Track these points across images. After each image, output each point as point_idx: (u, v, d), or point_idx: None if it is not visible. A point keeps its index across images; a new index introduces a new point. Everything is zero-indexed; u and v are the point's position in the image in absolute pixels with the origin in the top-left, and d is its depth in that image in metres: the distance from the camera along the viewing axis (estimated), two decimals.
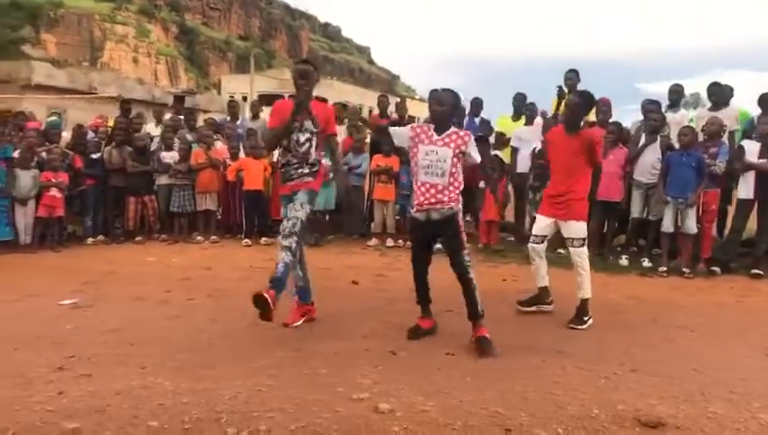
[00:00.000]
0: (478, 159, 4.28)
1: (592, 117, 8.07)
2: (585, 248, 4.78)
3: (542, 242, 4.98)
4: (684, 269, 6.73)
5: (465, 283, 4.11)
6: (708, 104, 7.80)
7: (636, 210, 7.19)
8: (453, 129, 4.20)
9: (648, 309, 5.37)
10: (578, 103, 4.81)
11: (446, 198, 4.08)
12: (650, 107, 7.43)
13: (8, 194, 7.58)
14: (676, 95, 7.76)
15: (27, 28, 54.60)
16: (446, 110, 4.22)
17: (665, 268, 6.77)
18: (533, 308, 5.10)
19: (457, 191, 4.14)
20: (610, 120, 7.58)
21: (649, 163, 7.04)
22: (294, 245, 4.22)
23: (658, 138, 7.08)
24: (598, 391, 3.30)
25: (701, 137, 7.01)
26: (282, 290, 4.10)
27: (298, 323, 4.52)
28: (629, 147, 7.23)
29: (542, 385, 3.35)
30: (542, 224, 4.96)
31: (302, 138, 4.46)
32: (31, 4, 55.39)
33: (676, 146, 6.91)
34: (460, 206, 4.17)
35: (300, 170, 4.47)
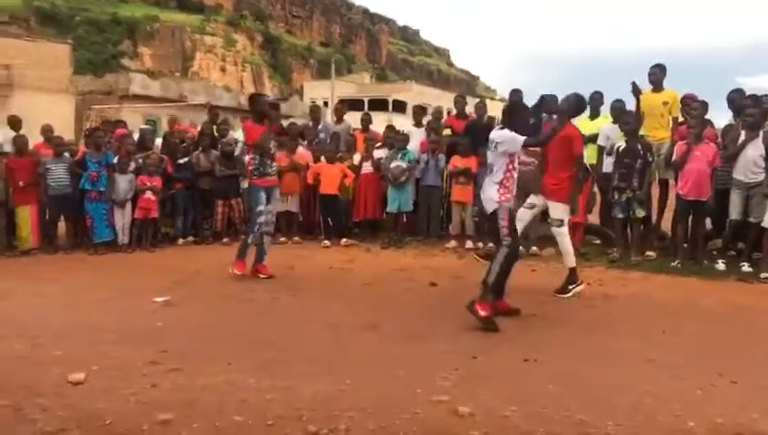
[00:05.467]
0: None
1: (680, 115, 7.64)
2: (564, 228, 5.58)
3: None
4: None
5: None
6: None
7: (735, 212, 6.72)
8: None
9: (748, 317, 5.01)
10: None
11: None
12: (747, 102, 6.95)
13: (108, 198, 8.09)
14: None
15: (126, 42, 58.33)
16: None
17: (767, 274, 6.29)
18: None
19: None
20: (691, 115, 7.12)
21: (750, 160, 6.56)
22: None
23: (761, 133, 6.60)
24: (693, 402, 3.11)
25: None
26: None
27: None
28: (728, 145, 6.78)
29: (631, 394, 3.20)
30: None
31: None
32: (130, 20, 59.11)
33: None
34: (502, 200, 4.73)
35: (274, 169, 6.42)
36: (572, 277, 5.60)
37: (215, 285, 6.13)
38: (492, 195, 4.76)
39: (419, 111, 9.85)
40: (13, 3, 53.57)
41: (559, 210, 5.57)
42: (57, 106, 22.99)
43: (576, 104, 5.73)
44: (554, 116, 8.42)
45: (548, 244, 7.77)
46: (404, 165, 8.36)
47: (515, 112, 5.02)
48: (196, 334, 4.30)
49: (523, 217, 5.62)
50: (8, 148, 8.29)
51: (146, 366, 3.59)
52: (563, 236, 5.58)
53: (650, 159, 7.02)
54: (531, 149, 7.49)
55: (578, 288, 5.57)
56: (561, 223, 5.57)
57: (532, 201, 5.72)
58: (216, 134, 9.35)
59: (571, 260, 5.61)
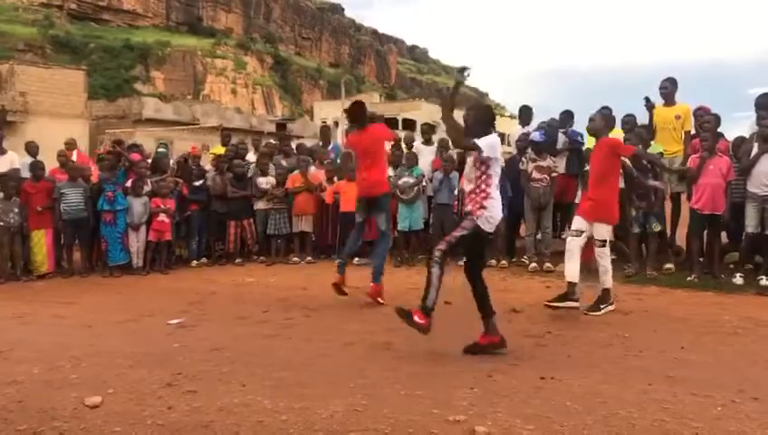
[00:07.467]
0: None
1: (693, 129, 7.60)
2: (606, 249, 5.50)
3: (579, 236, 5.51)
4: None
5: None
6: None
7: (751, 225, 6.65)
8: None
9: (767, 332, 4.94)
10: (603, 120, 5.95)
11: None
12: (762, 113, 6.89)
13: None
14: None
15: (139, 67, 59.29)
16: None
17: None
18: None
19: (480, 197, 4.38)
20: (704, 129, 7.07)
21: (764, 173, 6.51)
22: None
23: None
24: (713, 420, 3.06)
25: None
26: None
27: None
28: (741, 158, 6.74)
29: (650, 411, 3.15)
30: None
31: None
32: (142, 46, 60.15)
33: None
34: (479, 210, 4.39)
35: None
36: (606, 297, 5.50)
37: (229, 306, 6.14)
38: None
39: (428, 128, 9.88)
40: (29, 31, 54.68)
41: (601, 230, 5.49)
42: (72, 131, 23.24)
43: (606, 121, 6.08)
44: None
45: (562, 260, 7.73)
46: (411, 180, 8.38)
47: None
48: (210, 356, 4.30)
49: (573, 247, 5.45)
50: (26, 173, 8.42)
51: (162, 389, 3.60)
52: (605, 257, 5.49)
53: (658, 171, 7.00)
54: (544, 165, 7.55)
55: (609, 308, 5.48)
56: (603, 244, 5.50)
57: (578, 227, 5.55)
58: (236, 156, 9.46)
59: (608, 281, 5.50)
